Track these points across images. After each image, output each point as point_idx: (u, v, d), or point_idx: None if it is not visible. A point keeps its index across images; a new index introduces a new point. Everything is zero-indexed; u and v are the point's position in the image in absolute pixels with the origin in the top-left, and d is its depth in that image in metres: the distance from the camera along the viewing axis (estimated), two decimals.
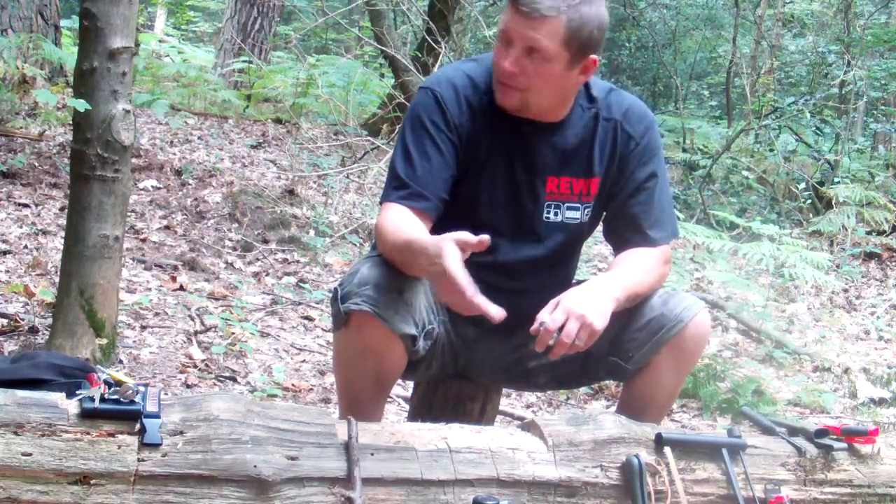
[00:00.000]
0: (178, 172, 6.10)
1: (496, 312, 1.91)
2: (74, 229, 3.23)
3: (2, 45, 5.81)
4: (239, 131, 7.81)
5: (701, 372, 3.99)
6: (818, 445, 2.23)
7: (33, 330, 3.49)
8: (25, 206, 5.02)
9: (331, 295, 2.21)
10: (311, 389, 3.56)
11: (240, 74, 9.62)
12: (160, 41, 12.52)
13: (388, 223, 2.14)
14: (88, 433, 1.72)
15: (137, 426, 1.74)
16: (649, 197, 2.30)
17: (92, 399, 1.75)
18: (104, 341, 3.26)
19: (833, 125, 9.94)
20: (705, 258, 5.77)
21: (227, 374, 3.55)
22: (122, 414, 1.75)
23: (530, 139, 2.25)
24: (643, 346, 2.23)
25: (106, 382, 1.80)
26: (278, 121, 8.29)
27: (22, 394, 1.76)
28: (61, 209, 4.88)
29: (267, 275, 4.88)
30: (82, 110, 3.16)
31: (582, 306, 2.03)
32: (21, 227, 4.72)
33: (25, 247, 4.47)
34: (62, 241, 3.46)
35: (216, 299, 4.32)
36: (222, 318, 4.02)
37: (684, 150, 9.83)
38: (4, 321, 3.54)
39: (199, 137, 7.26)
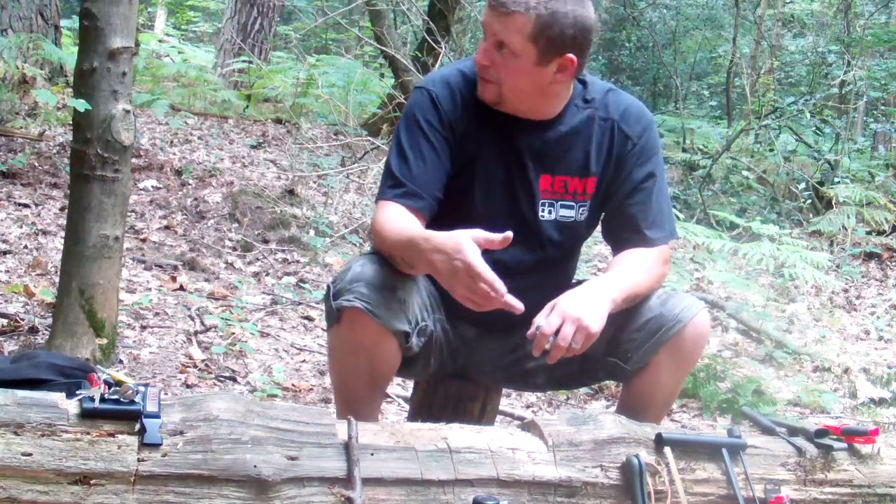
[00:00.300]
0: (178, 172, 6.10)
1: (519, 305, 1.94)
2: (74, 229, 3.23)
3: (2, 45, 5.81)
4: (239, 131, 7.82)
5: (701, 372, 3.99)
6: (818, 445, 2.23)
7: (33, 330, 3.49)
8: (25, 206, 5.02)
9: (324, 293, 2.22)
10: (311, 389, 3.56)
11: (240, 74, 9.62)
12: (160, 41, 12.52)
13: (387, 221, 2.14)
14: (88, 433, 1.72)
15: (137, 426, 1.74)
16: (647, 197, 2.30)
17: (92, 399, 1.75)
18: (104, 341, 3.26)
19: (833, 125, 9.94)
20: (705, 258, 5.77)
21: (227, 374, 3.55)
22: (122, 414, 1.75)
23: (522, 137, 2.27)
24: (642, 346, 2.23)
25: (106, 382, 1.80)
26: (278, 121, 8.29)
27: (22, 394, 1.75)
28: (61, 209, 4.88)
29: (267, 275, 4.88)
30: (82, 110, 3.16)
31: (578, 309, 2.04)
32: (21, 227, 4.72)
33: (25, 247, 4.47)
34: (62, 241, 3.46)
35: (216, 299, 4.32)
36: (222, 318, 4.02)
37: (684, 150, 9.83)
38: (4, 321, 3.54)
39: (199, 137, 7.26)
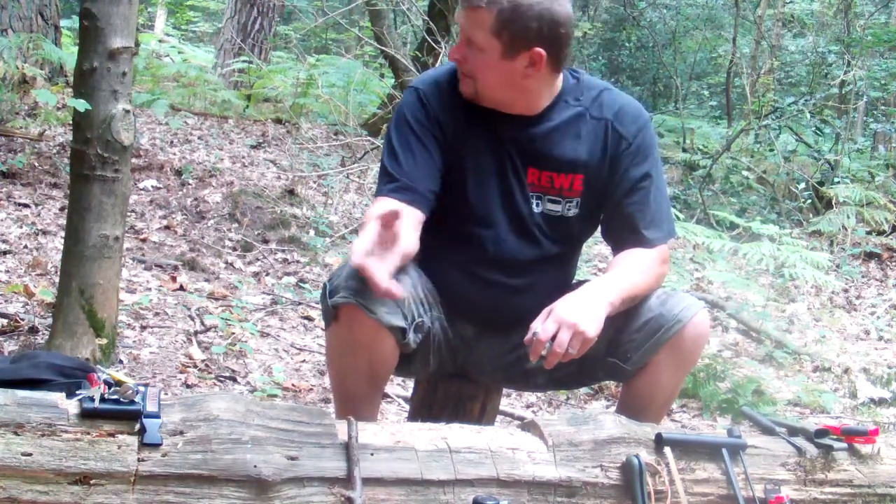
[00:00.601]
0: (178, 172, 6.10)
1: (399, 292, 1.95)
2: (74, 229, 3.23)
3: (2, 45, 5.81)
4: (239, 131, 7.82)
5: (701, 372, 3.99)
6: (818, 445, 2.23)
7: (33, 330, 3.49)
8: (25, 206, 5.02)
9: (320, 292, 2.23)
10: (311, 389, 3.56)
11: (240, 74, 9.63)
12: (160, 41, 12.52)
13: (368, 214, 2.17)
14: (88, 433, 1.72)
15: (137, 426, 1.74)
16: (644, 197, 2.31)
17: (92, 399, 1.75)
18: (104, 341, 3.26)
19: (833, 125, 9.94)
20: (705, 258, 5.77)
21: (227, 374, 3.55)
22: (122, 414, 1.75)
23: (508, 131, 2.28)
24: (641, 346, 2.23)
25: (106, 382, 1.80)
26: (278, 121, 8.29)
27: (22, 394, 1.75)
28: (61, 209, 4.88)
29: (267, 275, 4.89)
30: (82, 110, 3.16)
31: (574, 314, 2.05)
32: (21, 227, 4.72)
33: (25, 247, 4.47)
34: (62, 241, 3.46)
35: (216, 299, 4.32)
36: (222, 318, 4.02)
37: (684, 150, 9.84)
38: (4, 321, 3.54)
39: (199, 137, 7.26)
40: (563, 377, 2.39)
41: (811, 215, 8.23)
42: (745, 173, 8.95)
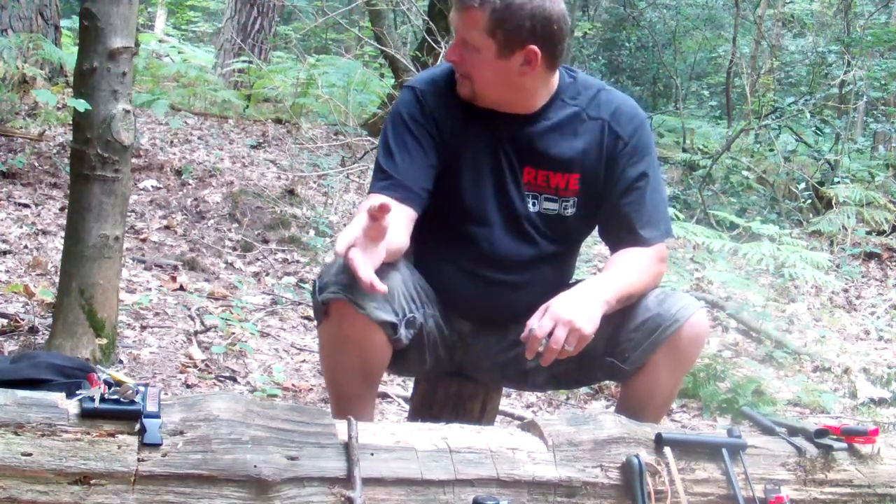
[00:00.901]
0: (178, 172, 6.10)
1: (380, 287, 1.94)
2: (74, 229, 3.23)
3: (2, 45, 5.81)
4: (239, 131, 7.82)
5: (701, 372, 3.99)
6: (818, 445, 2.23)
7: (33, 330, 3.49)
8: (25, 206, 5.02)
9: (303, 289, 2.24)
10: (311, 389, 3.57)
11: (240, 74, 9.63)
12: (160, 41, 12.52)
13: (360, 210, 2.17)
14: (88, 433, 1.72)
15: (137, 426, 1.74)
16: (641, 196, 2.31)
17: (92, 399, 1.75)
18: (104, 341, 3.26)
19: (833, 125, 9.94)
20: (705, 258, 5.77)
21: (227, 374, 3.55)
22: (122, 414, 1.75)
23: (505, 130, 2.29)
24: (639, 346, 2.24)
25: (106, 382, 1.80)
26: (278, 121, 8.29)
27: (22, 394, 1.75)
28: (61, 209, 4.88)
29: (267, 275, 4.88)
30: (82, 110, 3.16)
31: (570, 312, 2.06)
32: (21, 227, 4.72)
33: (25, 247, 4.47)
34: (62, 241, 3.46)
35: (216, 299, 4.32)
36: (222, 318, 4.02)
37: (684, 150, 9.84)
38: (4, 321, 3.54)
39: (199, 137, 7.26)
40: (561, 376, 2.40)
41: (811, 215, 8.23)
42: (745, 173, 8.95)
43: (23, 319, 3.57)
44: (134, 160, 5.62)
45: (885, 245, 7.63)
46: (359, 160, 6.99)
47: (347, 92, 7.87)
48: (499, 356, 2.39)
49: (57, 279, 3.47)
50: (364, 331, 2.12)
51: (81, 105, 3.16)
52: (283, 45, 11.01)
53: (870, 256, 7.48)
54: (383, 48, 7.46)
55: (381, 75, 9.49)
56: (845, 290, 6.61)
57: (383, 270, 2.13)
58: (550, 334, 2.04)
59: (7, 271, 4.14)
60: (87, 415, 1.73)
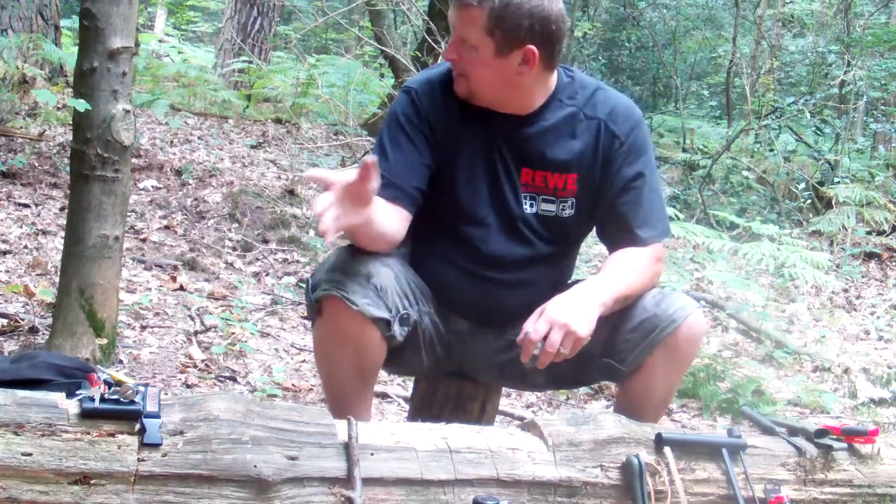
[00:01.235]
0: (178, 172, 6.10)
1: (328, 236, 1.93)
2: (74, 229, 3.23)
3: (2, 45, 5.81)
4: (239, 131, 7.82)
5: (701, 372, 3.99)
6: (818, 445, 2.23)
7: (33, 330, 3.49)
8: (25, 206, 5.02)
9: (303, 289, 2.24)
10: (311, 389, 3.56)
11: (240, 74, 9.63)
12: (160, 41, 12.52)
13: None
14: (88, 433, 1.72)
15: (137, 426, 1.74)
16: (637, 196, 2.31)
17: (92, 399, 1.75)
18: (104, 341, 3.26)
19: (833, 125, 9.94)
20: (705, 258, 5.77)
21: (227, 374, 3.55)
22: (122, 414, 1.75)
23: (502, 130, 2.29)
24: (636, 347, 2.23)
25: (106, 382, 1.80)
26: (278, 121, 8.29)
27: (22, 394, 1.75)
28: (61, 209, 4.88)
29: (267, 275, 4.89)
30: (82, 110, 3.16)
31: (565, 314, 2.06)
32: (21, 227, 4.72)
33: (25, 247, 4.47)
34: (62, 241, 3.46)
35: (216, 299, 4.32)
36: (222, 318, 4.02)
37: (684, 150, 9.84)
38: (4, 321, 3.54)
39: (199, 137, 7.26)
40: (559, 377, 2.40)
41: (811, 215, 8.23)
42: (745, 173, 8.95)
43: (23, 319, 3.57)
44: (134, 160, 5.62)
45: (885, 245, 7.63)
46: (359, 160, 6.98)
47: (347, 92, 7.87)
48: (496, 356, 2.39)
49: (57, 279, 3.47)
50: (358, 328, 2.13)
51: (81, 105, 3.16)
52: (283, 45, 11.01)
53: (870, 256, 7.48)
54: (383, 48, 7.46)
55: (381, 75, 9.49)
56: (845, 290, 6.61)
57: (376, 267, 2.14)
58: (546, 337, 2.04)
59: (7, 271, 4.15)
60: (87, 415, 1.73)
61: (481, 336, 2.38)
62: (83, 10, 3.20)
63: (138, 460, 1.71)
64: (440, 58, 6.56)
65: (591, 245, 5.63)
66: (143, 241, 4.94)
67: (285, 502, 1.79)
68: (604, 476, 2.01)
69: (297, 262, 5.18)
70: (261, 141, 7.58)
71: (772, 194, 8.72)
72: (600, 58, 13.66)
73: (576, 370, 2.32)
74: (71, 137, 3.43)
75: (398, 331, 2.18)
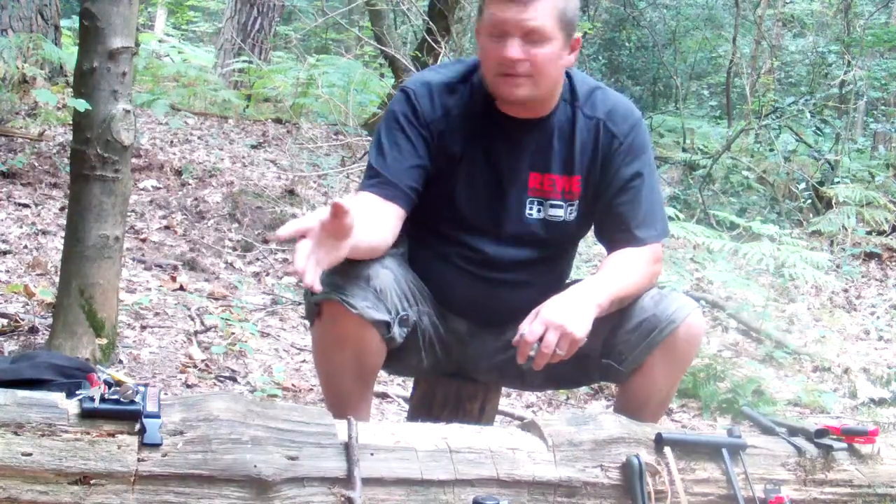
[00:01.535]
0: (178, 172, 6.10)
1: (312, 284, 1.87)
2: (74, 229, 3.23)
3: (2, 45, 5.81)
4: (239, 131, 7.81)
5: (701, 372, 3.99)
6: (818, 445, 2.23)
7: (33, 330, 3.49)
8: (25, 206, 5.02)
9: (303, 289, 2.23)
10: (311, 389, 3.56)
11: (240, 74, 9.62)
12: (160, 41, 12.51)
13: None
14: (88, 433, 1.72)
15: (137, 426, 1.74)
16: (636, 196, 2.30)
17: (92, 399, 1.75)
18: (104, 341, 3.26)
19: (833, 125, 9.94)
20: (705, 258, 5.77)
21: (227, 374, 3.55)
22: (122, 414, 1.75)
23: (513, 135, 2.27)
24: (636, 347, 2.23)
25: (106, 382, 1.80)
26: (278, 121, 8.28)
27: (22, 394, 1.76)
28: (61, 209, 4.88)
29: (267, 275, 4.88)
30: (82, 110, 3.16)
31: (561, 316, 2.05)
32: (21, 227, 4.72)
33: (25, 247, 4.47)
34: (62, 241, 3.46)
35: (216, 299, 4.32)
36: (222, 318, 4.02)
37: (684, 150, 9.84)
38: (4, 321, 3.54)
39: (199, 137, 7.26)
40: (559, 377, 2.39)
41: (811, 215, 8.22)
42: (745, 173, 8.95)
43: (23, 319, 3.57)
44: (134, 160, 5.62)
45: (885, 245, 7.62)
46: (359, 160, 6.98)
47: (347, 92, 7.87)
48: (496, 356, 2.39)
49: (57, 279, 3.47)
50: (357, 330, 2.12)
51: (81, 105, 3.15)
52: (283, 45, 11.01)
53: (870, 256, 7.47)
54: (383, 48, 7.46)
55: (381, 75, 9.49)
56: (845, 290, 6.61)
57: (375, 269, 2.13)
58: (542, 339, 2.04)
59: (7, 271, 4.14)
60: (87, 415, 1.73)
61: (480, 336, 2.38)
62: (83, 10, 3.19)
63: (138, 460, 1.71)
64: (440, 57, 6.56)
65: (592, 245, 5.63)
66: (143, 241, 4.93)
67: (285, 502, 1.79)
68: (604, 476, 2.01)
69: None
70: (261, 141, 7.58)
71: (772, 194, 8.72)
72: (600, 58, 13.64)
73: (575, 371, 2.32)
74: (71, 137, 3.43)
75: (398, 332, 2.18)
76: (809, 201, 8.42)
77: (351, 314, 2.09)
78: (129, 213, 4.47)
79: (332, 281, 2.09)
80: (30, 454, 1.67)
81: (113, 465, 1.70)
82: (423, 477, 1.90)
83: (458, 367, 2.43)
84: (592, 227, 2.42)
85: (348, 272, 2.11)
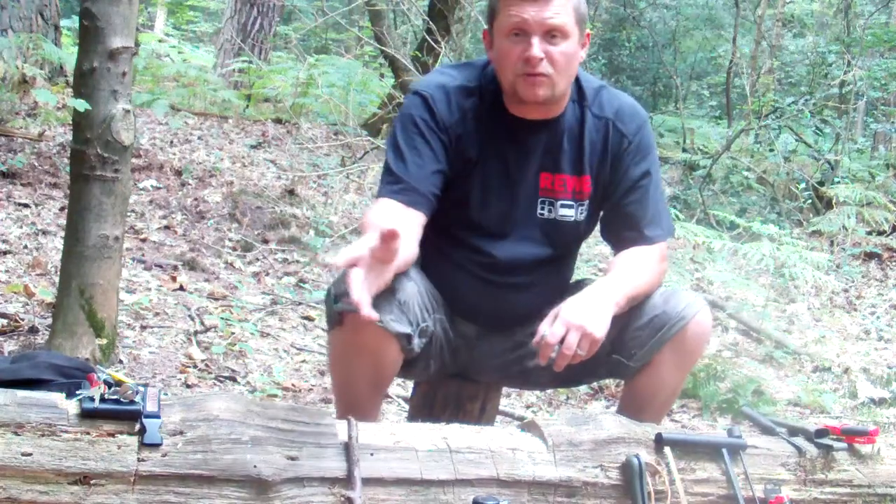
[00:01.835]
0: (178, 172, 6.10)
1: (371, 314, 1.88)
2: (74, 229, 3.23)
3: (2, 45, 5.81)
4: (239, 131, 7.81)
5: (701, 372, 3.99)
6: (818, 445, 2.23)
7: (33, 330, 3.49)
8: (25, 206, 5.02)
9: (325, 294, 2.21)
10: (311, 389, 3.56)
11: (240, 74, 9.62)
12: (160, 41, 12.52)
13: (369, 216, 2.16)
14: (88, 433, 1.72)
15: (137, 426, 1.74)
16: (644, 195, 2.31)
17: (92, 399, 1.75)
18: (104, 341, 3.26)
19: (833, 125, 9.94)
20: (705, 258, 5.77)
21: (227, 374, 3.55)
22: (122, 414, 1.75)
23: (525, 137, 2.27)
24: (645, 343, 2.24)
25: (106, 382, 1.80)
26: (278, 121, 8.28)
27: (22, 394, 1.76)
28: (61, 209, 4.88)
29: (267, 275, 4.88)
30: (82, 110, 3.16)
31: (581, 317, 2.05)
32: (21, 227, 4.72)
33: (25, 247, 4.47)
34: (62, 241, 3.46)
35: (216, 299, 4.32)
36: (222, 318, 4.02)
37: (684, 150, 9.84)
38: (4, 321, 3.54)
39: (199, 137, 7.26)
40: (565, 375, 2.38)
41: (811, 215, 8.23)
42: (745, 173, 8.95)
43: (23, 319, 3.57)
44: (134, 160, 5.62)
45: (885, 245, 7.63)
46: (359, 160, 6.99)
47: (347, 92, 7.87)
48: (502, 357, 2.39)
49: (57, 279, 3.47)
50: (379, 342, 2.10)
51: (81, 105, 3.16)
52: (283, 45, 11.01)
53: (870, 256, 7.47)
54: (383, 48, 7.46)
55: (381, 75, 9.49)
56: (845, 290, 6.61)
57: (400, 280, 2.10)
58: (563, 340, 2.04)
59: (7, 271, 4.14)
60: (87, 415, 1.73)
61: (488, 339, 2.38)
62: (83, 10, 3.19)
63: (138, 460, 1.71)
64: (440, 57, 6.56)
65: (592, 245, 5.64)
66: (143, 241, 4.94)
67: (285, 502, 1.79)
68: (604, 476, 2.01)
69: (297, 262, 5.18)
70: (261, 141, 7.57)
71: (772, 194, 8.72)
72: (600, 58, 13.64)
73: (583, 368, 2.32)
74: (71, 137, 3.43)
75: (417, 343, 2.17)
76: (809, 201, 8.42)
77: (375, 326, 2.05)
78: (129, 213, 4.48)
79: (348, 287, 2.07)
80: (30, 454, 1.67)
81: (113, 465, 1.70)
82: (423, 477, 1.90)
83: (463, 369, 2.43)
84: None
85: None
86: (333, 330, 2.16)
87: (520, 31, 2.15)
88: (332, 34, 13.12)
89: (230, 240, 5.25)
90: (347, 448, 1.86)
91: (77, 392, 1.79)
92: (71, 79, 4.26)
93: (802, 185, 8.59)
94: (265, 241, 5.34)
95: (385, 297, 2.08)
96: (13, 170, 5.34)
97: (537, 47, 2.13)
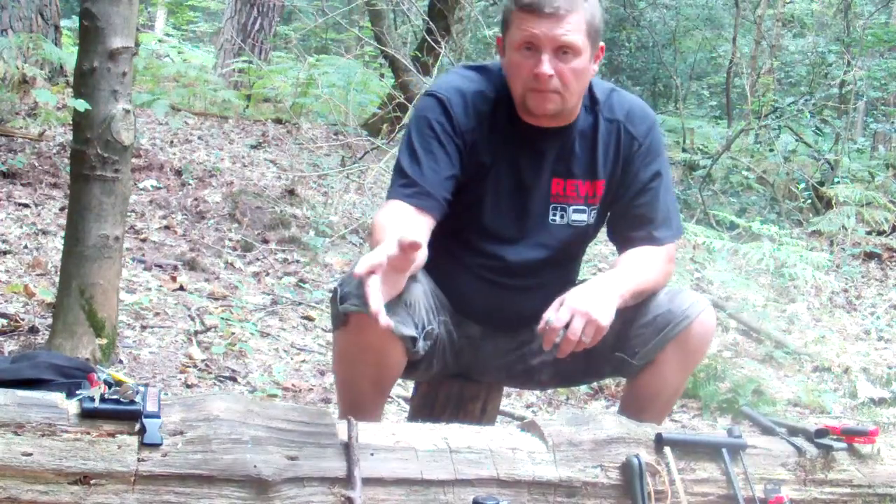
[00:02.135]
0: (178, 172, 6.10)
1: (385, 322, 1.86)
2: (74, 229, 3.23)
3: (2, 45, 5.81)
4: (239, 131, 7.81)
5: (701, 372, 3.99)
6: (818, 445, 2.23)
7: (33, 330, 3.49)
8: (25, 206, 5.02)
9: (330, 294, 2.21)
10: (311, 389, 3.56)
11: (240, 74, 9.62)
12: (160, 41, 12.51)
13: (381, 218, 2.16)
14: (88, 433, 1.72)
15: (137, 426, 1.75)
16: (654, 197, 2.32)
17: (92, 399, 1.75)
18: (104, 341, 3.26)
19: (833, 125, 9.94)
20: (705, 258, 5.77)
21: (227, 374, 3.55)
22: (122, 414, 1.75)
23: (538, 145, 2.27)
24: (649, 341, 2.24)
25: (106, 382, 1.81)
26: (278, 121, 8.28)
27: (22, 394, 1.76)
28: (61, 209, 4.88)
29: (267, 275, 4.88)
30: (82, 110, 3.16)
31: (586, 303, 2.05)
32: (21, 227, 4.72)
33: (25, 247, 4.47)
34: (62, 241, 3.46)
35: (216, 299, 4.32)
36: (222, 318, 4.02)
37: (684, 150, 9.83)
38: (4, 321, 3.54)
39: (199, 137, 7.26)
40: (568, 373, 2.40)
41: (811, 215, 8.22)
42: (745, 173, 8.95)
43: (23, 319, 3.57)
44: (134, 160, 5.62)
45: (885, 245, 7.62)
46: (359, 160, 6.98)
47: (347, 92, 7.87)
48: (506, 356, 2.39)
49: (57, 279, 3.47)
50: (384, 343, 2.10)
51: (81, 105, 3.16)
52: (283, 45, 11.01)
53: (870, 256, 7.47)
54: (383, 48, 7.46)
55: (381, 75, 9.49)
56: (845, 290, 6.61)
57: (407, 283, 2.09)
58: (567, 326, 2.04)
59: (7, 271, 4.14)
60: (87, 415, 1.73)
61: (492, 339, 2.38)
62: (83, 10, 3.20)
63: (138, 460, 1.71)
64: (440, 58, 6.56)
65: (592, 245, 5.63)
66: (143, 241, 4.94)
67: (285, 502, 1.79)
68: (604, 476, 2.01)
69: (297, 262, 5.18)
70: (261, 141, 7.57)
71: (772, 194, 8.72)
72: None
73: (587, 365, 2.32)
74: (71, 137, 3.44)
75: (422, 346, 2.17)
76: (809, 201, 8.42)
77: (380, 328, 2.06)
78: (129, 213, 4.48)
79: (363, 292, 2.07)
80: (30, 454, 1.67)
81: (113, 465, 1.70)
82: (423, 477, 1.90)
83: (466, 370, 2.43)
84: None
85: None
86: (338, 330, 2.16)
87: (531, 46, 2.14)
88: (332, 34, 13.12)
89: (230, 240, 5.25)
90: (347, 448, 1.86)
91: (77, 392, 1.79)
92: (71, 79, 4.26)
93: (802, 185, 8.59)
94: (265, 241, 5.34)
95: (392, 299, 2.07)
96: (13, 170, 5.34)
97: (547, 65, 2.13)
